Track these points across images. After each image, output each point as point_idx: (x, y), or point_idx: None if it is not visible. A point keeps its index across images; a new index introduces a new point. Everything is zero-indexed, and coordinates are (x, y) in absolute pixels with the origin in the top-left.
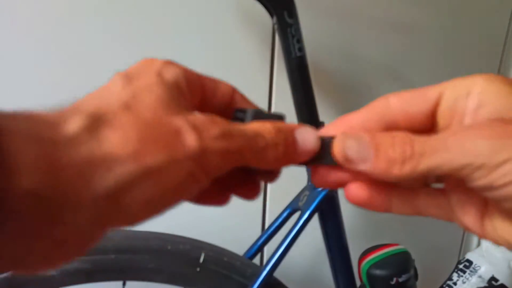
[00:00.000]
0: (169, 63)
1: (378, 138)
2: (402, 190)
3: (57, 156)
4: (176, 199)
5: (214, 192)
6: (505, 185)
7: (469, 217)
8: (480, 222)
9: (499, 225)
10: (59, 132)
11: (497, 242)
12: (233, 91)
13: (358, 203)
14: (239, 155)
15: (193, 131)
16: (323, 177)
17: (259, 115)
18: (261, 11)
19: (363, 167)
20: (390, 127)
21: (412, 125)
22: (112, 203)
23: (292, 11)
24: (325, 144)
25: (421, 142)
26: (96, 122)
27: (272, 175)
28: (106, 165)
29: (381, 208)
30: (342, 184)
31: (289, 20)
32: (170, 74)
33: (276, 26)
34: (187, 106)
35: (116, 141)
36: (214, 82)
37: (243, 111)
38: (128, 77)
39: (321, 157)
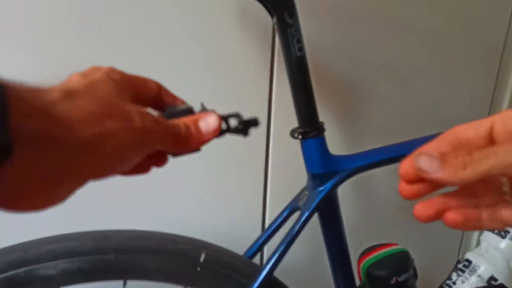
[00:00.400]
0: (112, 68)
1: (444, 153)
2: (487, 208)
3: (49, 110)
4: (128, 159)
5: (140, 166)
6: None
7: None
8: None
9: None
10: (46, 97)
11: None
12: (159, 87)
13: (458, 227)
14: (163, 136)
15: (138, 115)
16: (426, 212)
17: (174, 109)
18: (261, 11)
19: (435, 175)
20: (457, 148)
21: (473, 146)
22: (82, 151)
23: (292, 11)
24: (227, 121)
25: (479, 151)
26: (69, 95)
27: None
28: (80, 121)
29: (475, 227)
30: (442, 215)
31: (289, 20)
32: (114, 74)
33: (276, 26)
34: (128, 98)
35: (86, 106)
36: (144, 81)
37: (167, 107)
38: (84, 74)
39: (228, 131)
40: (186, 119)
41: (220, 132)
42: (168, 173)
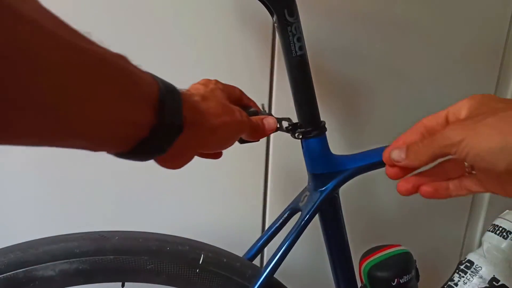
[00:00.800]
0: (217, 80)
1: (409, 144)
2: (454, 180)
3: (198, 107)
4: (230, 142)
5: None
6: (466, 155)
7: (491, 184)
8: (503, 186)
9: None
10: (194, 99)
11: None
12: (241, 92)
13: (430, 196)
14: (248, 128)
15: (238, 112)
16: (405, 186)
17: (247, 110)
18: (261, 10)
19: (403, 163)
20: (424, 136)
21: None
22: (211, 133)
23: (292, 10)
24: (280, 122)
25: (429, 138)
26: (204, 99)
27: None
28: (212, 115)
29: (445, 196)
30: (418, 188)
31: (290, 19)
32: (219, 85)
33: (276, 25)
34: (229, 100)
35: (213, 106)
36: (233, 87)
37: (247, 107)
38: (203, 84)
39: (280, 129)
40: (256, 118)
41: (275, 130)
42: (167, 174)
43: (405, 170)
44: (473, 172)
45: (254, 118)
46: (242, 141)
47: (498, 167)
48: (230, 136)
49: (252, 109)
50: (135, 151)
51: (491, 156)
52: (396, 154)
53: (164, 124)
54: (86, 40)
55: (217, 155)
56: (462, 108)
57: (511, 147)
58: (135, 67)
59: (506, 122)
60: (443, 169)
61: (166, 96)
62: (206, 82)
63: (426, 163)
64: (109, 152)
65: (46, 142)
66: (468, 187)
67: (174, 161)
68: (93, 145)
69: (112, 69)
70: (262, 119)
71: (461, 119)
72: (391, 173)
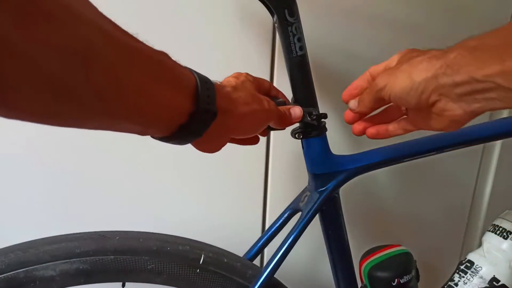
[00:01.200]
0: (247, 73)
1: (361, 95)
2: (393, 123)
3: (230, 96)
4: (259, 128)
5: (250, 138)
6: (389, 96)
7: (418, 120)
8: (426, 121)
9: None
10: (226, 89)
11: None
12: (270, 84)
13: (373, 137)
14: (276, 117)
15: (266, 101)
16: (357, 128)
17: (275, 101)
18: (261, 10)
19: (356, 110)
20: (370, 83)
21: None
22: (241, 119)
23: (293, 10)
24: (305, 113)
25: (372, 88)
26: (235, 89)
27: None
28: (241, 103)
29: (384, 135)
30: (365, 130)
31: (290, 19)
32: (249, 77)
33: (277, 25)
34: (258, 91)
35: (243, 96)
36: (262, 80)
37: (275, 98)
38: (235, 77)
39: (305, 119)
40: (283, 107)
41: (301, 120)
42: (167, 174)
43: (360, 116)
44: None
45: (281, 107)
46: (270, 129)
47: (410, 103)
48: (258, 122)
49: (280, 100)
50: (176, 134)
51: (404, 95)
52: (352, 104)
53: (200, 110)
54: (135, 39)
55: (253, 141)
56: (394, 60)
57: (417, 86)
58: (175, 61)
59: (413, 66)
60: (387, 114)
61: (202, 86)
62: (237, 75)
63: (372, 108)
64: (154, 135)
65: (108, 125)
66: (404, 127)
67: (209, 144)
68: (143, 128)
69: (157, 64)
70: (289, 108)
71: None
72: (349, 118)
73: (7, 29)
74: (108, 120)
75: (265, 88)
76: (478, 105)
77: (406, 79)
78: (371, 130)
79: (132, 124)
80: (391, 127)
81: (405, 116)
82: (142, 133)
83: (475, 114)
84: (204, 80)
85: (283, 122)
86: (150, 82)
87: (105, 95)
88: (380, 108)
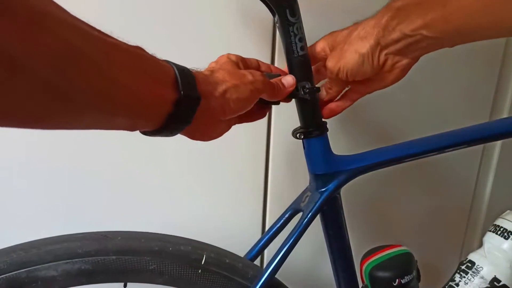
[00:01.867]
0: (229, 54)
1: (324, 86)
2: (342, 99)
3: (207, 80)
4: (247, 103)
5: (254, 114)
6: (346, 75)
7: (373, 83)
8: (379, 82)
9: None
10: (204, 74)
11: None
12: (257, 60)
13: (329, 116)
14: (264, 88)
15: (250, 74)
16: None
17: (268, 75)
18: (262, 10)
19: (327, 97)
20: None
21: None
22: (222, 98)
23: (294, 10)
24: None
25: (329, 74)
26: (212, 72)
27: (276, 102)
28: (219, 83)
29: (336, 111)
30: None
31: (292, 19)
32: (231, 57)
33: (278, 25)
34: (242, 67)
35: (221, 75)
36: (249, 59)
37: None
38: (216, 62)
39: (299, 93)
40: (275, 79)
41: (293, 93)
42: (168, 174)
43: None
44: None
45: (273, 79)
46: (265, 102)
47: (367, 73)
48: (245, 97)
49: (272, 74)
50: (165, 125)
51: (360, 67)
52: (322, 93)
53: (183, 97)
54: (111, 37)
55: (257, 116)
56: (322, 46)
57: (367, 56)
58: (151, 54)
59: (353, 43)
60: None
61: (180, 74)
62: (218, 59)
63: (338, 92)
64: (145, 129)
65: (99, 123)
66: (350, 97)
67: (202, 132)
68: (132, 121)
69: (136, 57)
70: (281, 79)
71: (328, 54)
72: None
73: None
74: (99, 117)
75: (253, 66)
76: (417, 53)
77: (354, 54)
78: (325, 111)
79: (122, 117)
80: (340, 102)
81: (346, 89)
82: (132, 127)
83: (416, 59)
84: (182, 69)
85: (276, 92)
86: (133, 75)
87: (94, 92)
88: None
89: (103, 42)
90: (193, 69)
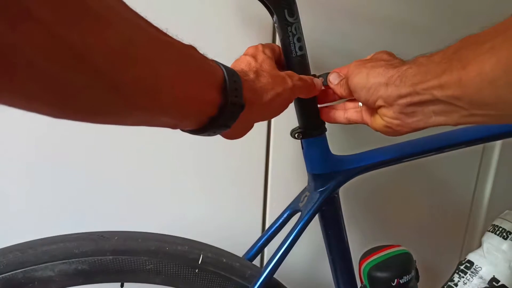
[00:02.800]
0: (262, 46)
1: (343, 78)
2: (343, 110)
3: (253, 86)
4: (284, 108)
5: None
6: (351, 89)
7: (366, 116)
8: (370, 119)
9: (375, 119)
10: (249, 77)
11: (376, 129)
12: (279, 48)
13: (327, 121)
14: (300, 91)
15: (289, 78)
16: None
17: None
18: (261, 10)
19: (332, 86)
20: None
21: None
22: (266, 106)
23: (292, 10)
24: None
25: (345, 75)
26: (257, 75)
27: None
28: (264, 91)
29: (330, 119)
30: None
31: (290, 19)
32: (266, 51)
33: (276, 25)
34: (276, 65)
35: (265, 81)
36: (274, 48)
37: None
38: (252, 56)
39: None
40: (305, 77)
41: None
42: (167, 174)
43: (331, 95)
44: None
45: (304, 76)
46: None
47: (361, 98)
48: (284, 103)
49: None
50: (206, 127)
51: (358, 89)
52: (332, 77)
53: (229, 103)
54: (166, 34)
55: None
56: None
57: (369, 86)
58: (202, 54)
59: (373, 68)
60: (351, 102)
61: (229, 79)
62: (254, 53)
63: (346, 94)
64: (186, 128)
65: (146, 120)
66: (349, 116)
67: (235, 133)
68: (177, 121)
69: (188, 57)
70: (312, 78)
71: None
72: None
73: (60, 29)
74: (147, 114)
75: (277, 54)
76: (416, 119)
77: (364, 77)
78: (323, 113)
79: (167, 117)
80: (339, 112)
81: (355, 108)
82: (175, 126)
83: (411, 128)
84: (231, 73)
85: (310, 92)
86: (183, 75)
87: (146, 89)
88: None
89: (157, 40)
90: (239, 71)
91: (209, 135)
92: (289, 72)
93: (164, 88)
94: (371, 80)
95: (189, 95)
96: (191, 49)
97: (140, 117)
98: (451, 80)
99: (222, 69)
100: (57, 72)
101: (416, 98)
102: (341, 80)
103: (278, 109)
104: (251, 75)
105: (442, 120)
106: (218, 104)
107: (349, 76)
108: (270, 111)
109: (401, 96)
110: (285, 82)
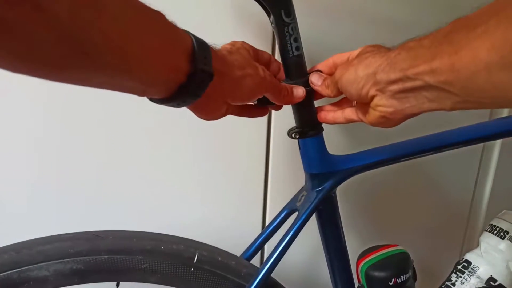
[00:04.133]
0: (244, 42)
1: (325, 77)
2: (340, 109)
3: (224, 59)
4: (254, 95)
5: (256, 110)
6: (341, 87)
7: (360, 113)
8: (365, 114)
9: (368, 113)
10: (221, 52)
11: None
12: (270, 56)
13: (324, 121)
14: (272, 87)
15: (261, 69)
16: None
17: (284, 80)
18: (260, 10)
19: (316, 87)
20: (331, 70)
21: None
22: (237, 82)
23: (289, 10)
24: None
25: (333, 77)
26: (230, 53)
27: (279, 106)
28: (236, 67)
29: (334, 121)
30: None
31: (287, 19)
32: (245, 45)
33: (273, 25)
34: (254, 59)
35: (239, 60)
36: (262, 52)
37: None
38: (231, 44)
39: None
40: (286, 84)
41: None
42: (164, 172)
43: (317, 95)
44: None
45: (284, 84)
46: (267, 103)
47: (353, 95)
48: (254, 88)
49: (284, 80)
50: (175, 95)
51: (349, 87)
52: (315, 78)
53: (198, 70)
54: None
55: (256, 113)
56: (355, 53)
57: (359, 80)
58: (171, 22)
59: (360, 62)
60: (341, 101)
61: (198, 46)
62: (233, 43)
63: (335, 94)
64: (154, 96)
65: (112, 81)
66: (346, 115)
67: (207, 109)
68: (144, 86)
69: (157, 21)
70: (292, 87)
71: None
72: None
73: None
74: (114, 75)
75: (264, 60)
76: (409, 105)
77: (352, 73)
78: (320, 115)
79: (135, 81)
80: (337, 113)
81: (351, 107)
82: (143, 92)
83: (405, 114)
84: (200, 42)
85: (282, 96)
86: (151, 37)
87: (112, 47)
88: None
89: (128, 1)
90: (211, 44)
91: (178, 105)
92: (264, 67)
93: (131, 49)
94: (359, 73)
95: (158, 59)
96: (160, 14)
97: (107, 78)
98: (443, 65)
99: (191, 37)
100: (19, 22)
101: (408, 84)
102: (325, 80)
103: (248, 92)
104: (224, 51)
105: (435, 105)
106: (187, 71)
107: (337, 79)
108: (240, 90)
109: (392, 82)
110: (257, 69)
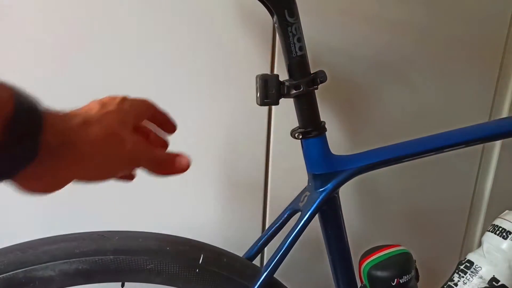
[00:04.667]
0: (124, 98)
1: None
2: None
3: (69, 132)
4: (117, 169)
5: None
6: None
7: None
8: None
9: None
10: (72, 122)
11: None
12: (155, 111)
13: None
14: (146, 161)
15: (131, 142)
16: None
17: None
18: (262, 10)
19: None
20: None
21: None
22: (83, 161)
23: (293, 10)
24: None
25: None
26: (85, 123)
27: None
28: (88, 142)
29: None
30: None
31: (290, 19)
32: (124, 104)
33: (276, 25)
34: (131, 123)
35: (94, 133)
36: (143, 107)
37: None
38: (102, 104)
39: None
40: (169, 153)
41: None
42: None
43: None
44: None
45: (168, 153)
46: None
47: None
48: (111, 167)
49: (287, 79)
50: None
51: None
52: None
53: (13, 145)
54: None
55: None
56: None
57: None
58: None
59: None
60: None
61: (19, 106)
62: (107, 101)
63: None
64: None
65: None
66: None
67: (42, 182)
68: None
69: None
70: (176, 156)
71: None
72: None
73: None
74: None
75: (147, 116)
76: None
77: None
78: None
79: None
80: None
81: None
82: None
83: None
84: (28, 109)
85: (162, 168)
86: None
87: None
88: None
89: None
90: (58, 111)
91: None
92: (139, 139)
93: None
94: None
95: None
96: None
97: None
98: None
99: (14, 101)
100: None
101: None
102: None
103: (105, 170)
104: (77, 120)
105: None
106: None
107: None
108: (90, 170)
109: None
110: (122, 144)
